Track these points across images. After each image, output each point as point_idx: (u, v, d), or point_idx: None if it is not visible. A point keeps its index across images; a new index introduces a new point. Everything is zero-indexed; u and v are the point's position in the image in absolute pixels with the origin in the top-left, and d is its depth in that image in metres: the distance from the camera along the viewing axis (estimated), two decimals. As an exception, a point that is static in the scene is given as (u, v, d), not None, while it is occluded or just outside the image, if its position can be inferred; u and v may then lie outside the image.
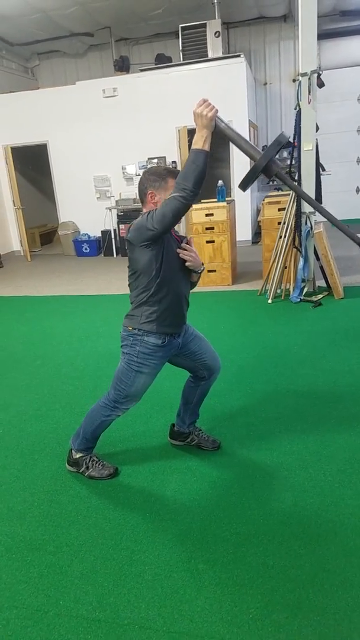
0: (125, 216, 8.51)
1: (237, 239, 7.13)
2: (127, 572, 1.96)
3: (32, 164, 9.84)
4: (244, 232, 8.31)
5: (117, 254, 8.71)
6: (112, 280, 6.90)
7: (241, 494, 2.35)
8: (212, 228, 5.98)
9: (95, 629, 1.74)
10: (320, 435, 2.76)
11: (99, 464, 2.54)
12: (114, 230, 8.63)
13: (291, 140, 5.16)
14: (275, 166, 1.90)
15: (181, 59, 8.35)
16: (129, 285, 2.29)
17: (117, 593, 1.87)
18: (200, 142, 1.89)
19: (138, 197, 2.11)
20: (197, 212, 5.99)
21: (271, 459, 2.58)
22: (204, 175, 1.89)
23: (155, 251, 2.10)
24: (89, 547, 2.10)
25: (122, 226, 8.49)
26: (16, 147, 8.82)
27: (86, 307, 5.74)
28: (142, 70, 8.40)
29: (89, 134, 8.63)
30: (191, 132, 8.16)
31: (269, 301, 5.28)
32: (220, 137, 2.01)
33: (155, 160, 8.56)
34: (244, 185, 1.98)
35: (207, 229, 5.99)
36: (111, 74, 9.04)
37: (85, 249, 8.78)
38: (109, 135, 8.56)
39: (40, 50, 10.18)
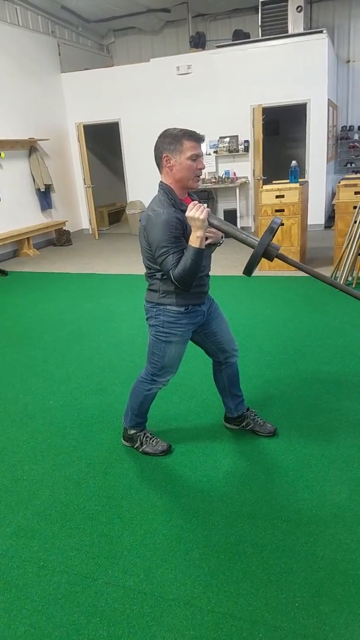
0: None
1: (309, 223, 6.89)
2: (176, 548, 1.98)
3: (104, 142, 9.97)
4: (316, 216, 8.01)
5: (183, 234, 8.69)
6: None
7: (295, 483, 2.29)
8: (282, 210, 5.80)
9: (141, 600, 1.77)
10: (384, 430, 2.64)
11: (152, 440, 2.57)
12: (182, 210, 8.59)
13: None
14: (273, 249, 2.04)
15: (259, 35, 8.07)
16: (143, 261, 2.25)
17: (165, 568, 1.90)
18: (197, 242, 1.98)
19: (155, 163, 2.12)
20: (268, 194, 5.84)
21: (329, 451, 2.50)
22: (198, 272, 2.05)
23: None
24: (139, 521, 2.14)
25: (189, 206, 8.45)
26: (88, 125, 8.95)
27: (150, 285, 5.78)
28: (218, 47, 8.21)
29: (160, 112, 8.58)
30: (265, 111, 7.92)
31: (338, 288, 5.07)
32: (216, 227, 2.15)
33: (227, 139, 8.41)
34: (248, 272, 2.08)
35: (276, 210, 5.82)
36: (187, 51, 8.90)
37: (152, 228, 8.82)
38: (181, 113, 8.47)
39: (116, 27, 10.21)
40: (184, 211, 2.04)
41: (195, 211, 1.95)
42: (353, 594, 1.72)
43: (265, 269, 6.04)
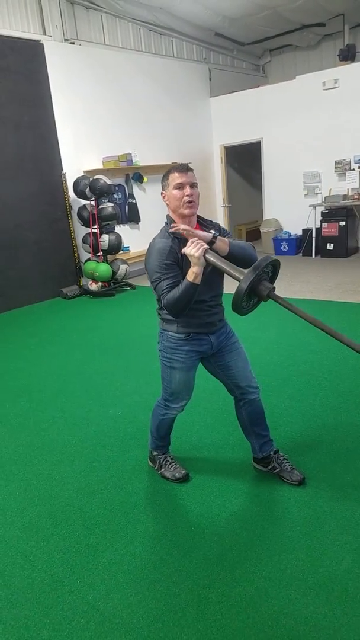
0: (330, 214, 8.06)
1: None
2: (141, 575, 2.01)
3: (250, 161, 10.09)
4: None
5: (316, 255, 8.35)
6: (293, 282, 6.69)
7: (297, 540, 2.13)
8: None
9: (95, 619, 1.85)
10: None
11: (172, 466, 2.61)
12: (316, 229, 8.27)
13: None
14: (264, 287, 1.98)
15: None
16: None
17: (126, 592, 1.94)
18: (191, 277, 2.02)
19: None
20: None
21: (351, 512, 2.26)
22: (188, 304, 2.07)
23: None
24: (124, 539, 2.22)
25: (325, 225, 8.08)
26: (234, 146, 9.17)
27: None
28: (368, 58, 7.74)
29: (303, 129, 8.41)
30: None
31: None
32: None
33: (373, 155, 7.85)
34: (234, 308, 2.02)
35: None
36: (334, 65, 8.56)
37: (284, 247, 8.66)
38: (325, 129, 8.19)
39: (272, 47, 10.27)
40: (180, 240, 2.10)
41: (192, 248, 2.00)
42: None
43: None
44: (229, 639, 1.71)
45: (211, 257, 2.04)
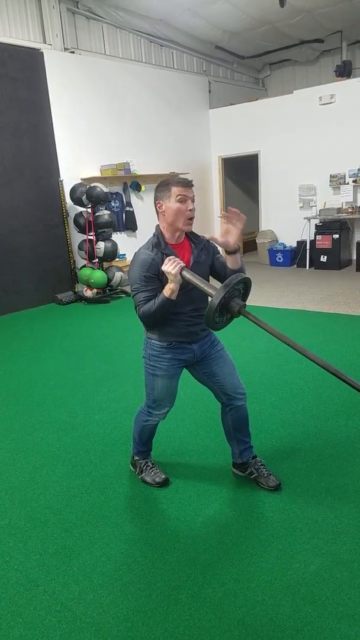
0: (324, 227, 8.15)
1: None
2: (115, 576, 2.06)
3: (247, 173, 10.21)
4: None
5: (309, 266, 8.43)
6: (285, 292, 6.76)
7: (268, 544, 2.17)
8: None
9: (67, 617, 1.89)
10: None
11: (152, 471, 2.66)
12: (310, 241, 8.36)
13: None
14: (235, 304, 2.04)
15: None
16: None
17: (99, 592, 1.99)
18: (167, 292, 2.11)
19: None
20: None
21: (324, 517, 2.31)
22: (162, 317, 2.18)
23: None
24: (104, 541, 2.26)
25: (319, 237, 8.17)
26: (232, 157, 9.29)
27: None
28: (364, 74, 7.88)
29: (300, 143, 8.54)
30: None
31: None
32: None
33: (367, 169, 7.96)
34: (207, 324, 2.09)
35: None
36: (331, 81, 8.70)
37: (279, 258, 8.74)
38: (320, 143, 8.32)
39: (271, 61, 10.43)
40: (167, 254, 2.14)
41: (169, 266, 2.07)
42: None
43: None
44: (195, 638, 1.76)
45: (187, 274, 2.10)
